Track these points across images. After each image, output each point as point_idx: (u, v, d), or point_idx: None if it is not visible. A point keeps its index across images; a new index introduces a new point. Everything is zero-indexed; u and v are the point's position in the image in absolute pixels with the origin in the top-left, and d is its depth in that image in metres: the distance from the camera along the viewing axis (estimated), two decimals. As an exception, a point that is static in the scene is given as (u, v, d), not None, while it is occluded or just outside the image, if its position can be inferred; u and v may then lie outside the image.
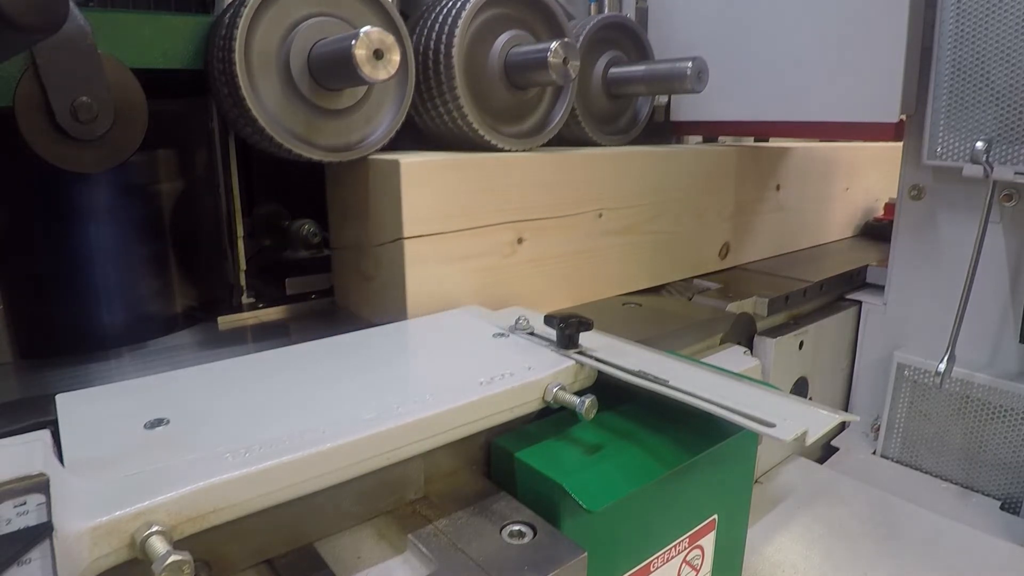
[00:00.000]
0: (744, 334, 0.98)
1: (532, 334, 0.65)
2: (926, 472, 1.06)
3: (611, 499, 0.49)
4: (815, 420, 0.50)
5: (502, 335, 0.66)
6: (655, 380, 0.56)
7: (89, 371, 0.68)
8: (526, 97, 0.91)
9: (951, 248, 1.02)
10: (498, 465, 0.56)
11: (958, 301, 0.92)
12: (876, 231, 1.52)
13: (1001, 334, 0.98)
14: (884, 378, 1.10)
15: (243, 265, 0.86)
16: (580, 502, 0.48)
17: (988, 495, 1.00)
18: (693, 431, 0.57)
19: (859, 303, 1.17)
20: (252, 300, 0.88)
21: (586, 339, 0.62)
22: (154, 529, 0.36)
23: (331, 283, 0.93)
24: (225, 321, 0.84)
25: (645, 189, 1.00)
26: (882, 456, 1.11)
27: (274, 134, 0.71)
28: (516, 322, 0.67)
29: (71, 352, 0.72)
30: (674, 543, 0.59)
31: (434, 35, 0.81)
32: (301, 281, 0.93)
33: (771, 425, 0.49)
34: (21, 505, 0.33)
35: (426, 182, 0.75)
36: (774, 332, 1.01)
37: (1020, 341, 0.94)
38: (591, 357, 0.59)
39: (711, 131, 1.30)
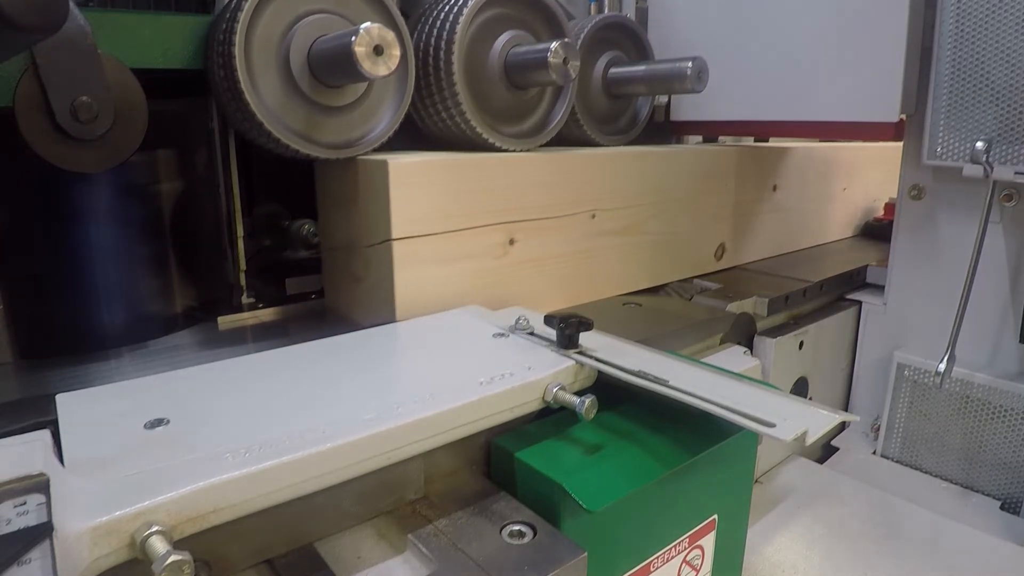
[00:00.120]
0: (744, 334, 0.98)
1: (532, 334, 0.65)
2: (926, 472, 1.06)
3: (611, 499, 0.49)
4: (815, 420, 0.50)
5: (502, 335, 0.66)
6: (655, 380, 0.56)
7: (89, 371, 0.68)
8: (526, 97, 0.91)
9: (951, 248, 1.02)
10: (498, 465, 0.56)
11: (958, 301, 0.92)
12: (876, 231, 1.52)
13: (1001, 334, 0.98)
14: (884, 378, 1.10)
15: (243, 265, 0.85)
16: (580, 502, 0.48)
17: (988, 495, 1.00)
18: (693, 431, 0.57)
19: (859, 303, 1.17)
20: (252, 300, 0.88)
21: (586, 339, 0.62)
22: (154, 529, 0.36)
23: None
24: (225, 321, 0.84)
25: (641, 190, 1.00)
26: (882, 456, 1.11)
27: (274, 131, 0.71)
28: (516, 322, 0.67)
29: (71, 352, 0.72)
30: (674, 543, 0.59)
31: (434, 35, 0.81)
32: (301, 281, 0.93)
33: (771, 425, 0.49)
34: (21, 505, 0.33)
35: (415, 183, 0.74)
36: (774, 332, 1.01)
37: (1020, 341, 0.94)
38: (591, 357, 0.59)
39: (711, 131, 1.30)
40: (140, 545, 0.36)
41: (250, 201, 0.95)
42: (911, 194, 1.05)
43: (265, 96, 0.71)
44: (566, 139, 1.03)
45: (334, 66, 0.70)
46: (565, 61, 0.81)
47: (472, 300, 0.80)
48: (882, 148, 1.52)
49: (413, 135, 0.89)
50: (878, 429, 1.11)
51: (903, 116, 0.99)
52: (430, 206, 0.76)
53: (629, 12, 1.20)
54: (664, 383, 0.55)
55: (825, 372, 1.14)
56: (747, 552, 0.69)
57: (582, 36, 1.01)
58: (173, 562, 0.34)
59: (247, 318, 0.85)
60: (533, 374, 0.55)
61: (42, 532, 0.33)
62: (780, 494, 0.97)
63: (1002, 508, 0.97)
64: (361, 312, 0.83)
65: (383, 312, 0.77)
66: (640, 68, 1.04)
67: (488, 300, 0.82)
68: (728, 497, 0.64)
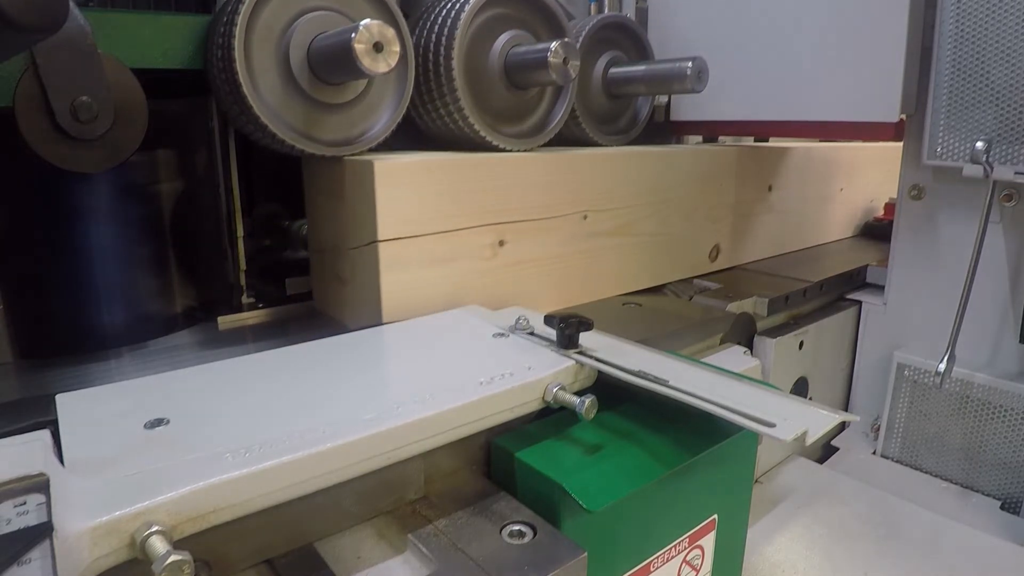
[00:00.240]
0: (744, 334, 0.98)
1: (532, 334, 0.65)
2: (926, 472, 1.06)
3: (611, 499, 0.49)
4: (815, 420, 0.50)
5: (502, 335, 0.66)
6: (655, 380, 0.56)
7: (89, 371, 0.68)
8: (526, 97, 0.91)
9: (951, 248, 1.02)
10: (498, 465, 0.56)
11: (958, 301, 0.92)
12: (876, 231, 1.52)
13: (1001, 334, 0.98)
14: (884, 378, 1.10)
15: (243, 265, 0.85)
16: (580, 502, 0.48)
17: (988, 495, 1.00)
18: (693, 431, 0.57)
19: (859, 303, 1.17)
20: (252, 300, 0.88)
21: (586, 339, 0.62)
22: (154, 529, 0.36)
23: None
24: (225, 321, 0.84)
25: (634, 190, 0.98)
26: (882, 456, 1.11)
27: (275, 129, 0.71)
28: (516, 322, 0.67)
29: (71, 352, 0.72)
30: (674, 543, 0.59)
31: (434, 35, 0.81)
32: (301, 281, 0.93)
33: (771, 425, 0.49)
34: (21, 505, 0.33)
35: (401, 184, 0.73)
36: (774, 332, 1.01)
37: (1020, 341, 0.94)
38: (591, 357, 0.59)
39: (711, 131, 1.30)
40: (140, 545, 0.36)
41: (250, 201, 0.95)
42: (911, 194, 1.05)
43: (265, 93, 0.71)
44: (566, 139, 1.03)
45: (334, 63, 0.70)
46: (565, 61, 0.81)
47: (462, 302, 0.79)
48: (882, 148, 1.52)
49: (413, 135, 0.89)
50: (878, 429, 1.11)
51: (903, 116, 0.99)
52: (417, 207, 0.75)
53: (629, 12, 1.20)
54: (664, 383, 0.55)
55: (825, 372, 1.14)
56: (747, 552, 0.69)
57: (582, 36, 1.01)
58: (173, 562, 0.34)
59: (247, 318, 0.85)
60: (533, 374, 0.55)
61: (42, 532, 0.33)
62: (780, 494, 0.97)
63: (1002, 508, 0.97)
64: (347, 314, 0.82)
65: (369, 315, 0.76)
66: (640, 68, 1.04)
67: (478, 302, 0.81)
68: (728, 497, 0.64)
